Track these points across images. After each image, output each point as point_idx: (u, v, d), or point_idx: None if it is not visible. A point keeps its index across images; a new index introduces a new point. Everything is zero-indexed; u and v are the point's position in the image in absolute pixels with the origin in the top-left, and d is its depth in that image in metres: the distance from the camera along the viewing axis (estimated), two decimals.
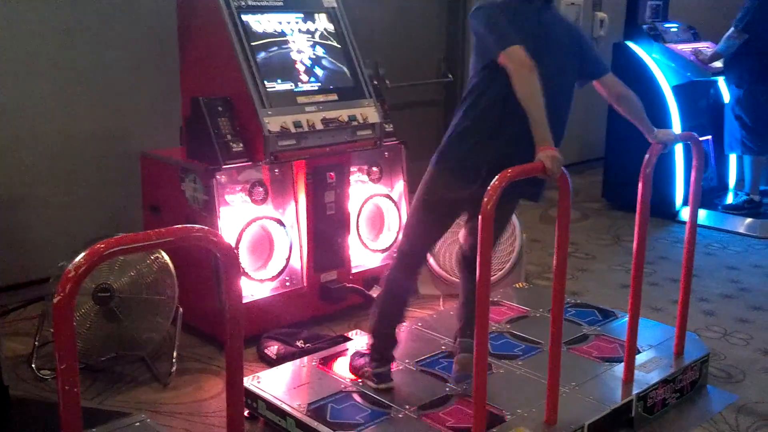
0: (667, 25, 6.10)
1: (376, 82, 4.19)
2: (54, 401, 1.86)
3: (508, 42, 2.63)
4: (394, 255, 3.18)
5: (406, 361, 3.23)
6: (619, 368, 3.14)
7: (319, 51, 3.88)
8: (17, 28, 4.05)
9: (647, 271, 4.00)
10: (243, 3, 3.65)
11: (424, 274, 4.32)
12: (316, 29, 3.92)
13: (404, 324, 3.35)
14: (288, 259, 3.72)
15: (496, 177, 2.45)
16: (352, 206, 3.98)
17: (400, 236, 3.18)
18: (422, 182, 2.95)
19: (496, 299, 3.88)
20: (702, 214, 5.51)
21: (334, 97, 3.80)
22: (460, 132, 2.81)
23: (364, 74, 3.97)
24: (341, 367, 3.17)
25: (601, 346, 3.40)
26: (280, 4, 3.82)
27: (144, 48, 4.46)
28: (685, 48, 5.90)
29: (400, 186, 4.22)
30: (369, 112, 3.87)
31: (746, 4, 5.44)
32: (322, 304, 3.88)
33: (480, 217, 2.40)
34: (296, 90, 3.69)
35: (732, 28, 5.45)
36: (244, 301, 2.22)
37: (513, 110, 2.63)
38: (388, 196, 4.19)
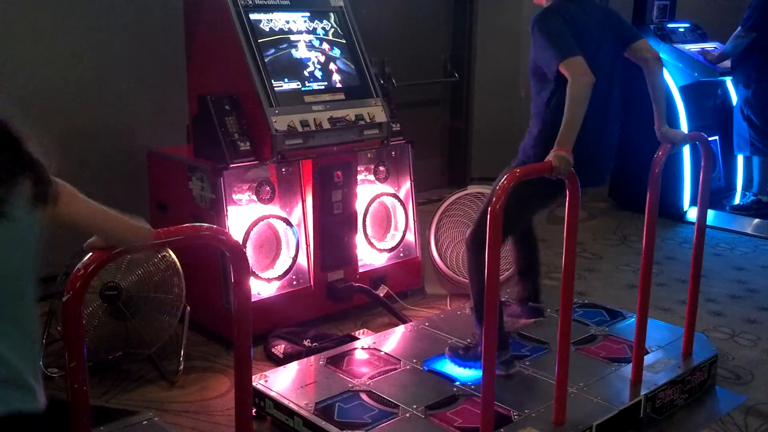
0: (674, 25, 6.08)
1: (382, 81, 4.19)
2: (62, 399, 1.86)
3: (569, 53, 2.82)
4: (473, 248, 3.11)
5: (414, 360, 3.22)
6: (627, 369, 3.13)
7: (326, 50, 3.87)
8: (23, 27, 4.06)
9: (655, 271, 3.97)
10: (250, 2, 3.65)
11: (429, 273, 4.33)
12: (323, 28, 3.91)
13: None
14: (295, 258, 3.72)
15: (505, 177, 2.48)
16: (359, 205, 3.98)
17: (476, 230, 3.11)
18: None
19: (503, 299, 3.87)
20: (710, 214, 5.48)
21: (341, 96, 3.80)
22: (551, 138, 2.83)
23: (371, 73, 3.96)
24: (355, 366, 3.17)
25: (609, 347, 3.39)
26: (288, 3, 3.81)
27: (151, 45, 4.46)
28: (693, 48, 5.88)
29: (406, 185, 4.21)
30: (376, 112, 3.86)
31: (753, 3, 5.42)
32: (329, 303, 3.88)
33: (489, 217, 2.40)
34: (303, 89, 3.69)
35: (739, 27, 5.43)
36: (252, 299, 2.22)
37: (600, 108, 2.93)
38: (395, 195, 4.18)
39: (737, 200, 5.96)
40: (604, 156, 3.13)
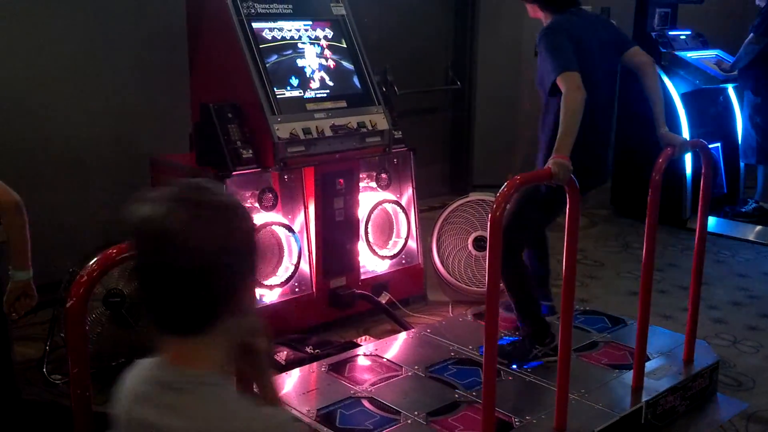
0: (675, 33, 6.09)
1: (384, 89, 4.20)
2: (65, 405, 1.87)
3: (566, 67, 2.96)
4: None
5: (416, 367, 3.23)
6: (629, 375, 3.13)
7: (328, 58, 3.89)
8: (27, 35, 4.08)
9: (656, 278, 3.98)
10: (253, 10, 3.68)
11: (432, 280, 4.34)
12: (325, 36, 3.94)
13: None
14: (297, 265, 3.73)
15: (505, 184, 2.49)
16: (361, 212, 3.99)
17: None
18: (526, 192, 3.14)
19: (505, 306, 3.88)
20: (712, 221, 5.50)
21: (343, 104, 3.82)
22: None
23: (373, 81, 3.98)
24: (357, 373, 3.18)
25: (611, 353, 3.40)
26: (290, 11, 3.84)
27: (154, 54, 4.48)
28: (694, 55, 5.89)
29: (408, 192, 4.23)
30: (378, 119, 3.88)
31: (764, 10, 5.41)
32: (331, 310, 3.89)
33: (489, 224, 2.41)
34: (306, 97, 3.71)
35: (752, 34, 5.41)
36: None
37: (604, 114, 3.18)
38: (397, 203, 4.20)
39: (739, 207, 5.96)
40: (609, 155, 3.33)
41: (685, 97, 5.64)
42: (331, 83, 3.84)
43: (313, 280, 3.80)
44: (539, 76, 3.21)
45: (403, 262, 4.23)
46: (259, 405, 1.28)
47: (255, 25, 3.66)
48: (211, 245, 1.13)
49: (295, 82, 3.71)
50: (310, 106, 3.69)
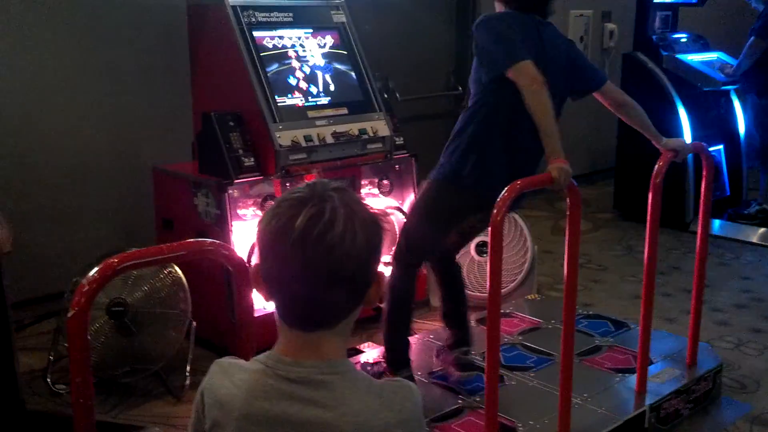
0: (676, 36, 6.09)
1: (386, 96, 4.22)
2: (69, 415, 1.88)
3: (518, 56, 2.64)
4: (396, 265, 3.12)
5: (419, 373, 3.23)
6: (632, 379, 3.13)
7: (329, 65, 3.91)
8: (29, 45, 4.10)
9: (660, 281, 3.98)
10: (254, 19, 3.69)
11: (434, 285, 4.33)
12: (326, 44, 3.95)
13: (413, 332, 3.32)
14: None
15: (506, 188, 2.48)
16: None
17: (399, 244, 3.14)
18: (428, 194, 2.98)
19: (508, 311, 3.88)
20: (715, 224, 5.50)
21: (345, 110, 3.83)
22: (476, 148, 2.82)
23: (374, 88, 3.99)
24: None
25: (614, 357, 3.39)
26: (291, 19, 3.85)
27: (156, 63, 4.50)
28: (695, 58, 5.89)
29: (410, 198, 4.23)
30: (379, 126, 3.89)
31: (764, 11, 5.41)
32: None
33: (490, 228, 2.41)
34: (307, 104, 3.72)
35: (753, 37, 5.39)
36: (256, 314, 2.23)
37: (523, 122, 2.69)
38: (399, 209, 4.20)
39: (742, 209, 5.95)
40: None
41: (687, 99, 5.64)
42: (332, 90, 3.85)
43: None
44: (477, 70, 2.81)
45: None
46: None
47: (256, 33, 3.68)
48: (370, 245, 1.18)
49: (296, 89, 3.72)
50: (311, 114, 3.70)
